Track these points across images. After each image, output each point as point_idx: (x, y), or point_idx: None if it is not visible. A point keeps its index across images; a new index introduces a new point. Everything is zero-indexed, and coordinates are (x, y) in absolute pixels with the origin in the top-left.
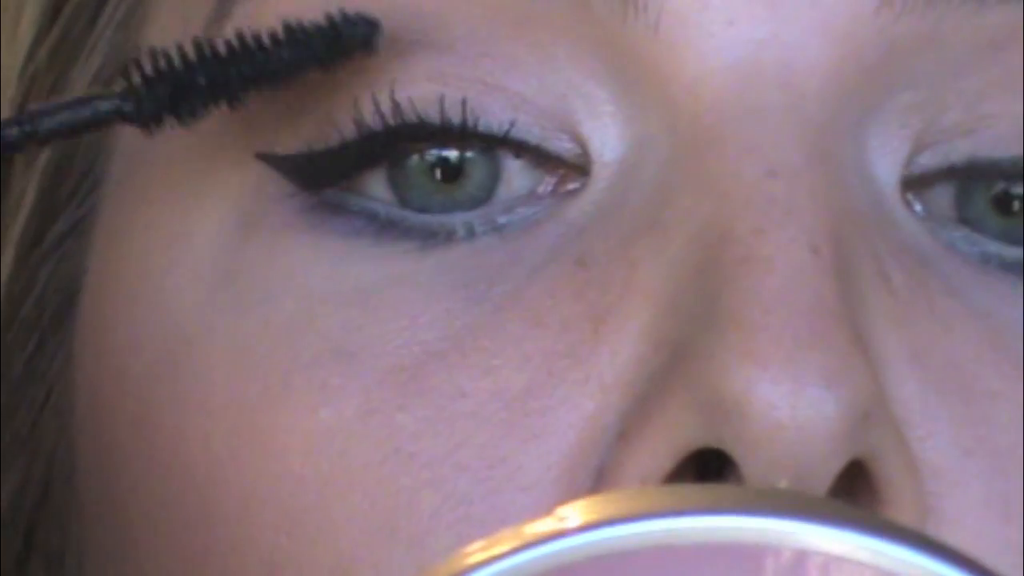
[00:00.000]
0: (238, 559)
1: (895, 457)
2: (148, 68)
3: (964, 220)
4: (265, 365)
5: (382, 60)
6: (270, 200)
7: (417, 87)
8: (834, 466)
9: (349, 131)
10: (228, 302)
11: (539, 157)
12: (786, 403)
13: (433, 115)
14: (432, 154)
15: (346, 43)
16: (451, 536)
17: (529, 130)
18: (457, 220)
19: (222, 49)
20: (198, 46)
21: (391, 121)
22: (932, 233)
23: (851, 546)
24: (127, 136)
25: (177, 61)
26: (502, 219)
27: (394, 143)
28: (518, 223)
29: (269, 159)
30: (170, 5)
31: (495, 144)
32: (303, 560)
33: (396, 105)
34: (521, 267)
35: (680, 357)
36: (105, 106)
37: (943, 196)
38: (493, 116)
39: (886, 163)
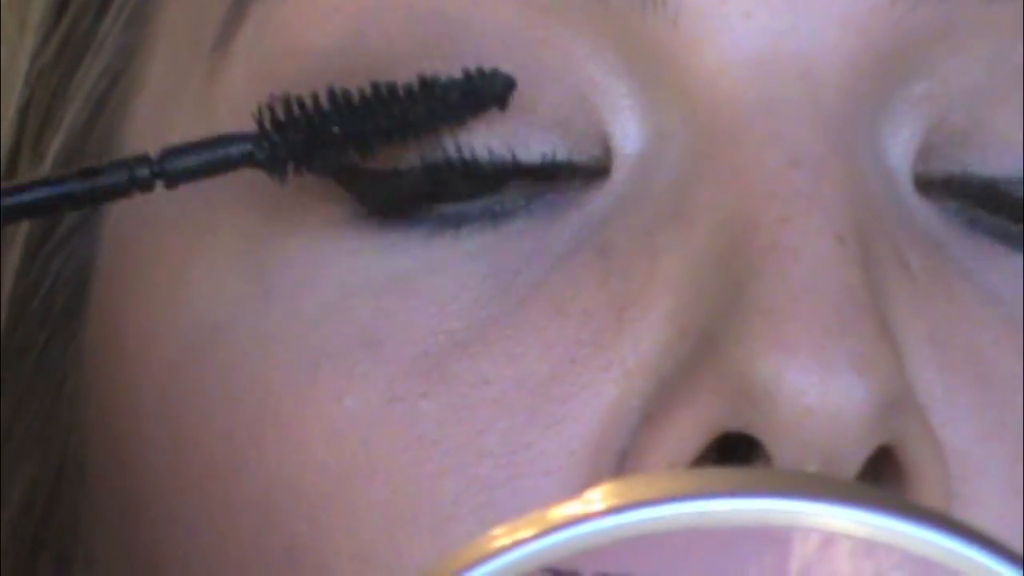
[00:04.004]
0: (258, 547)
1: (921, 443)
2: (281, 113)
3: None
4: (293, 354)
5: (421, 70)
6: (302, 189)
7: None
8: (862, 452)
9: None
10: (258, 292)
11: (566, 170)
12: (816, 389)
13: (481, 162)
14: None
15: (481, 99)
16: (474, 522)
17: (560, 152)
18: (487, 203)
19: (356, 99)
20: (332, 94)
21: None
22: (941, 217)
23: (879, 529)
24: (138, 124)
25: (311, 108)
26: (528, 202)
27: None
28: (542, 208)
29: None
30: (179, 2)
31: (532, 175)
32: (323, 547)
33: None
34: (545, 256)
35: (707, 343)
36: (236, 150)
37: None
38: (535, 151)
39: (899, 151)
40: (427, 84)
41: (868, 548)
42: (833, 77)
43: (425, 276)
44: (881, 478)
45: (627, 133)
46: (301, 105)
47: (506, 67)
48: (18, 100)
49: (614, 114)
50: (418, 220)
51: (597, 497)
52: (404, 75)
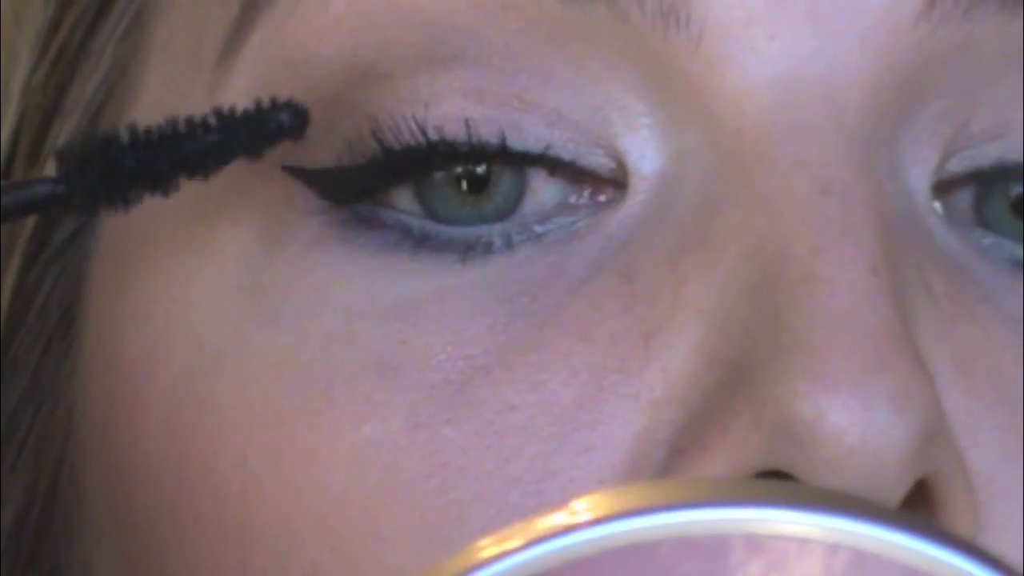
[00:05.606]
0: (278, 573)
1: (955, 475)
2: (83, 152)
3: (984, 223)
4: (304, 379)
5: (418, 76)
6: (299, 213)
7: (452, 105)
8: (902, 488)
9: (381, 150)
10: (260, 315)
11: (573, 173)
12: (857, 429)
13: (467, 136)
14: (459, 167)
15: (272, 130)
16: None
17: (564, 147)
18: (494, 230)
19: (154, 134)
20: (131, 130)
21: (424, 142)
22: (960, 239)
23: (866, 538)
24: None
25: (112, 146)
26: (539, 228)
27: (426, 162)
28: (556, 232)
29: (296, 172)
30: (176, 14)
31: (529, 163)
32: (348, 574)
33: (430, 127)
34: (563, 281)
35: (741, 377)
36: (41, 189)
37: (963, 199)
38: (529, 135)
39: (918, 171)
40: (221, 117)
41: (854, 558)
42: (856, 99)
43: (432, 303)
44: (912, 507)
45: (644, 152)
46: (100, 143)
47: (512, 76)
48: (15, 112)
49: (631, 132)
50: (419, 244)
51: (583, 507)
52: (406, 86)
